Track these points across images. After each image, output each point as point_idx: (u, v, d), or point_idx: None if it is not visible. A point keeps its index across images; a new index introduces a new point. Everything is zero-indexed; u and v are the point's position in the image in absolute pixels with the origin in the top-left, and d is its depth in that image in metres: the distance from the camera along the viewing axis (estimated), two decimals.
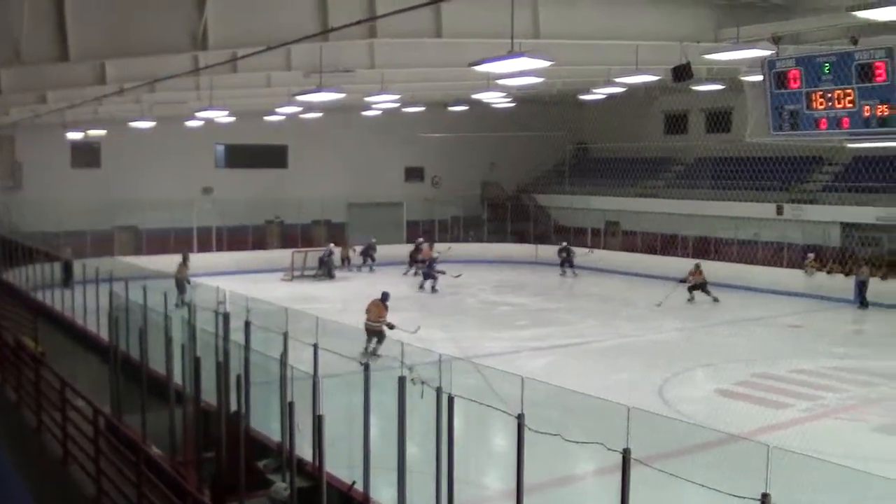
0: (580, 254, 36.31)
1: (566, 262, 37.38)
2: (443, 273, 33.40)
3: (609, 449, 7.29)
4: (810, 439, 14.90)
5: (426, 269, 33.53)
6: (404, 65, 21.07)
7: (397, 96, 27.61)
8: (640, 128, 43.35)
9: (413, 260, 36.79)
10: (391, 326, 20.31)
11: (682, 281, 30.29)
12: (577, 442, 8.07)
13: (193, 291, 21.54)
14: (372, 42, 18.39)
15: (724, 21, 17.75)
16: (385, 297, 21.20)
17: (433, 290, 32.20)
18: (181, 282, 26.59)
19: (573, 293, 33.59)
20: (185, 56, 17.36)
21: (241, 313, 13.10)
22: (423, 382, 9.62)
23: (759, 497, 6.37)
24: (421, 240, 38.26)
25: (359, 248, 38.52)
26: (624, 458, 7.32)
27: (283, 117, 34.67)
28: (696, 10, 17.39)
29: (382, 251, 38.69)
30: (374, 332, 20.21)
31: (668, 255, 36.72)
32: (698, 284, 30.12)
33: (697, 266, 30.75)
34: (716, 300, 29.93)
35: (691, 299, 29.99)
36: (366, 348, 19.68)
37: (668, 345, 23.93)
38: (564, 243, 38.15)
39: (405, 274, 36.08)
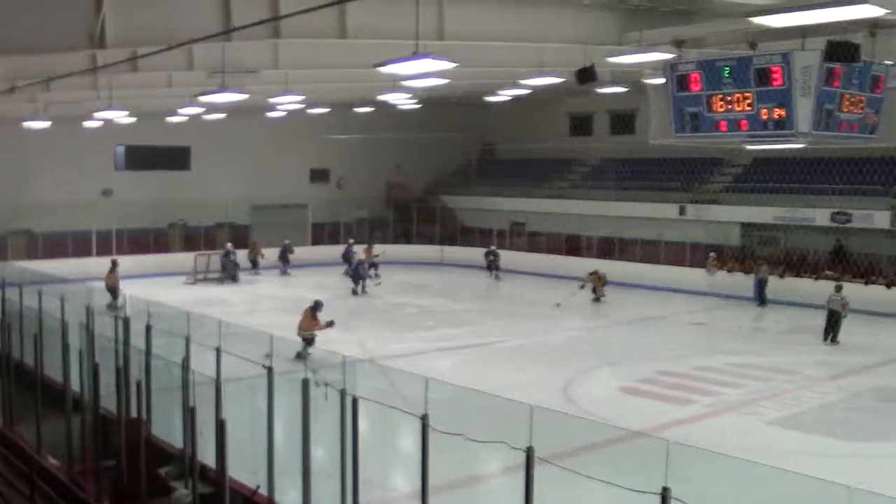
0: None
1: (493, 265, 37.09)
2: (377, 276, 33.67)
3: (513, 448, 7.30)
4: (711, 434, 15.23)
5: (353, 270, 33.02)
6: (309, 65, 20.92)
7: (302, 97, 27.36)
8: (546, 129, 43.78)
9: (347, 260, 35.97)
10: (330, 325, 20.18)
11: (582, 287, 30.47)
12: (481, 441, 8.06)
13: (123, 297, 21.10)
14: (276, 42, 18.18)
15: (627, 25, 17.97)
16: (317, 305, 20.80)
17: (363, 291, 31.84)
18: (113, 288, 26.06)
19: (479, 294, 33.70)
20: (81, 54, 16.93)
21: (143, 317, 12.80)
22: (326, 385, 9.52)
23: (660, 491, 6.45)
24: (352, 241, 37.78)
25: (264, 251, 37.92)
26: (527, 456, 7.34)
27: (185, 118, 34.05)
28: (600, 13, 17.58)
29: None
30: (305, 339, 19.97)
31: (574, 255, 37.07)
32: (595, 287, 30.54)
33: (595, 273, 31.07)
34: (598, 299, 30.53)
35: (596, 299, 30.33)
36: (298, 352, 19.44)
37: (573, 344, 24.17)
38: (492, 246, 37.92)
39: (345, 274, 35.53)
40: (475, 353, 22.36)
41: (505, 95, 32.42)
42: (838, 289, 24.44)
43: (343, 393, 9.31)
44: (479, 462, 12.37)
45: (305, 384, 9.70)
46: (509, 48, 19.42)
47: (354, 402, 9.20)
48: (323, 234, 41.26)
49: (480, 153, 48.07)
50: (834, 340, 23.71)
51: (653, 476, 6.61)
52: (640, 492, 6.52)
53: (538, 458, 7.46)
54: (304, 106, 32.27)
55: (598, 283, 30.53)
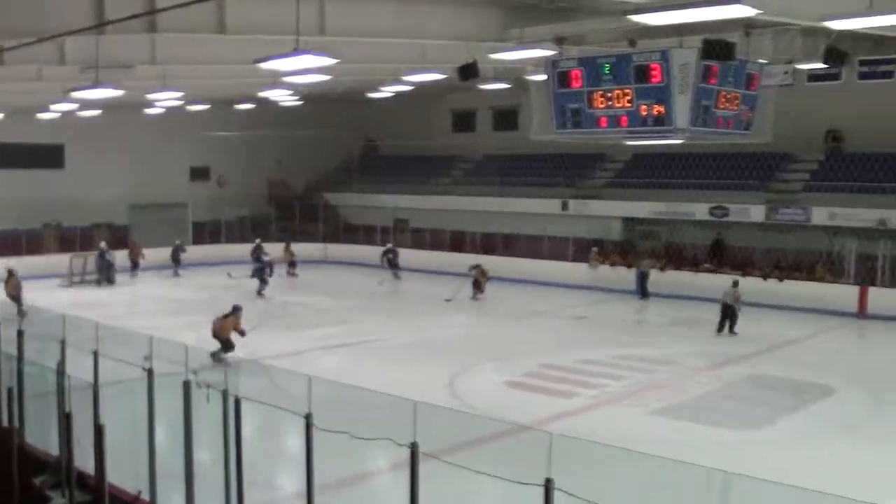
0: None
1: (391, 263, 36.15)
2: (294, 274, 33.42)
3: (398, 444, 7.27)
4: (595, 425, 15.44)
5: (257, 270, 32.12)
6: (187, 61, 20.46)
7: (180, 93, 26.81)
8: (429, 125, 43.93)
9: (257, 259, 34.92)
10: (242, 334, 19.80)
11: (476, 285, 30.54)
12: (366, 438, 8.01)
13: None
14: (152, 36, 17.70)
15: (509, 22, 18.09)
16: (234, 309, 20.26)
17: (260, 293, 30.91)
18: (15, 296, 25.04)
19: (364, 292, 33.51)
20: None
21: (14, 321, 12.35)
22: (208, 386, 9.33)
23: (543, 482, 6.51)
24: (259, 240, 36.92)
25: (145, 252, 36.88)
26: (412, 452, 7.32)
27: (58, 114, 32.96)
28: (481, 10, 17.66)
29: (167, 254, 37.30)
30: (223, 343, 19.52)
31: (458, 251, 37.23)
32: (479, 282, 30.58)
33: (478, 266, 31.14)
34: (477, 294, 30.46)
35: (478, 292, 30.36)
36: (212, 352, 18.98)
37: (457, 340, 24.25)
38: (390, 245, 37.24)
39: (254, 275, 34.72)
40: (360, 350, 22.24)
41: (387, 92, 32.36)
42: (735, 283, 25.14)
43: (225, 394, 9.14)
44: (366, 460, 12.29)
45: (187, 386, 9.48)
46: (391, 44, 19.34)
47: (237, 402, 9.04)
48: (204, 233, 40.47)
49: (363, 150, 47.89)
50: (731, 332, 24.32)
51: (537, 468, 6.65)
52: (525, 484, 6.56)
53: (425, 454, 7.44)
54: (182, 102, 31.64)
55: (481, 278, 30.57)
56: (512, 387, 18.52)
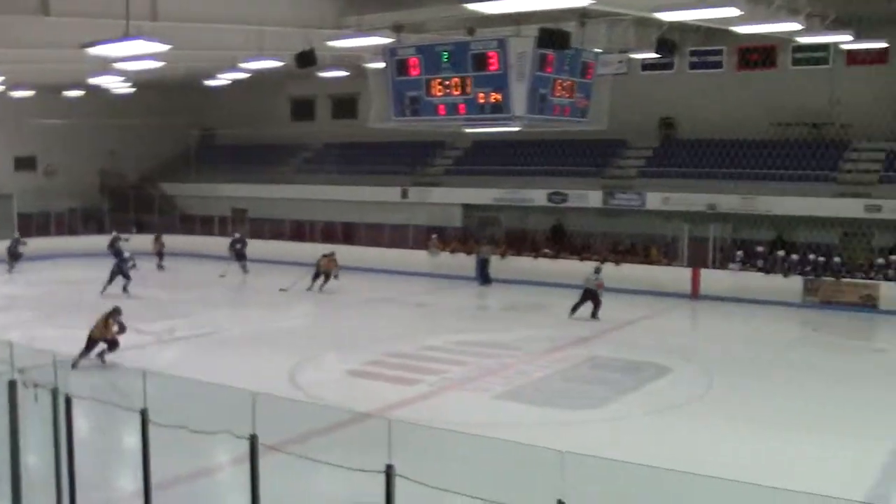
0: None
1: (239, 255, 34.26)
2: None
3: (237, 437, 7.12)
4: (438, 411, 15.54)
5: (117, 266, 29.49)
6: (9, 44, 19.51)
7: (2, 78, 25.59)
8: (268, 114, 43.29)
9: (116, 254, 32.93)
10: (123, 330, 18.92)
11: (322, 276, 29.79)
12: (205, 432, 7.81)
13: None
14: None
15: (346, 9, 17.99)
16: (114, 311, 19.27)
17: (125, 290, 28.62)
18: None
19: (202, 283, 32.78)
20: None
21: None
22: (36, 385, 8.92)
23: (384, 469, 6.49)
24: (115, 233, 33.87)
25: None
26: (251, 444, 7.18)
27: None
28: None
29: None
30: (108, 343, 18.64)
31: (299, 241, 36.87)
32: (325, 272, 29.72)
33: (331, 255, 30.36)
34: (321, 287, 29.43)
35: (312, 286, 29.51)
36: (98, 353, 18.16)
37: (298, 330, 24.01)
38: (238, 234, 35.56)
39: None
40: (200, 343, 21.74)
41: (224, 79, 31.72)
42: (597, 270, 25.61)
43: (55, 392, 8.76)
44: (206, 455, 11.99)
45: (12, 386, 9.04)
46: (227, 30, 19.00)
47: (68, 401, 8.69)
48: (31, 225, 38.72)
49: (200, 138, 46.80)
50: (594, 317, 24.74)
51: (380, 456, 6.62)
52: (366, 471, 6.53)
53: (267, 447, 7.31)
54: (4, 88, 30.23)
55: (331, 266, 29.90)
56: (354, 376, 18.42)
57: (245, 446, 7.30)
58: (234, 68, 27.16)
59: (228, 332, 23.09)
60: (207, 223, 39.53)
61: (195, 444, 8.20)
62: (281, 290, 28.79)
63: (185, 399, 9.67)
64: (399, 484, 6.70)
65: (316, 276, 29.37)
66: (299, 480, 9.83)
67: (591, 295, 24.80)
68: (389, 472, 6.53)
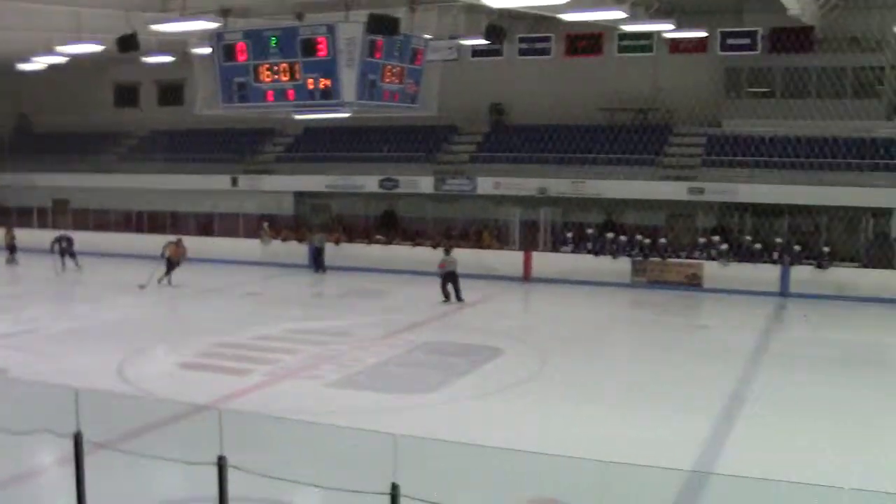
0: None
1: (66, 252, 31.80)
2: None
3: (58, 436, 6.84)
4: (272, 400, 15.36)
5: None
6: None
7: None
8: (90, 100, 41.74)
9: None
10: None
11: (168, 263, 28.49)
12: (22, 433, 7.48)
13: None
14: None
15: None
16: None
17: None
18: None
19: (21, 277, 31.44)
20: None
21: None
22: None
23: (216, 460, 6.38)
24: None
25: None
26: (76, 443, 6.92)
27: None
28: None
29: None
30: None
31: (125, 231, 35.80)
32: (173, 261, 28.35)
33: (176, 242, 28.98)
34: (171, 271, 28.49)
35: (164, 279, 28.08)
36: None
37: (126, 323, 23.24)
38: (62, 232, 33.03)
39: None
40: (17, 341, 20.68)
41: (41, 63, 30.33)
42: (448, 251, 25.95)
43: None
44: (28, 457, 11.48)
45: None
46: (42, 11, 18.18)
47: None
48: None
49: (16, 125, 44.69)
50: (459, 299, 25.09)
51: (213, 448, 6.50)
52: (199, 464, 6.40)
53: (95, 444, 7.06)
54: None
55: (179, 253, 28.46)
56: (186, 368, 18.01)
57: (67, 445, 7.02)
58: (50, 51, 25.96)
59: (52, 328, 22.17)
60: (25, 215, 37.75)
61: (15, 447, 7.82)
62: (140, 286, 27.33)
63: (1, 400, 9.24)
64: (233, 475, 6.59)
65: (169, 266, 28.04)
66: (130, 478, 9.54)
67: (451, 277, 25.18)
68: (221, 464, 6.42)
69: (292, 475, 6.63)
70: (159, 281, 27.76)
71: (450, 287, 25.19)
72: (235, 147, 37.39)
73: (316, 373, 17.62)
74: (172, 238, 29.46)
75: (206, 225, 34.96)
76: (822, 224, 29.04)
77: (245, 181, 35.85)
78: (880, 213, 28.15)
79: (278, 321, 22.98)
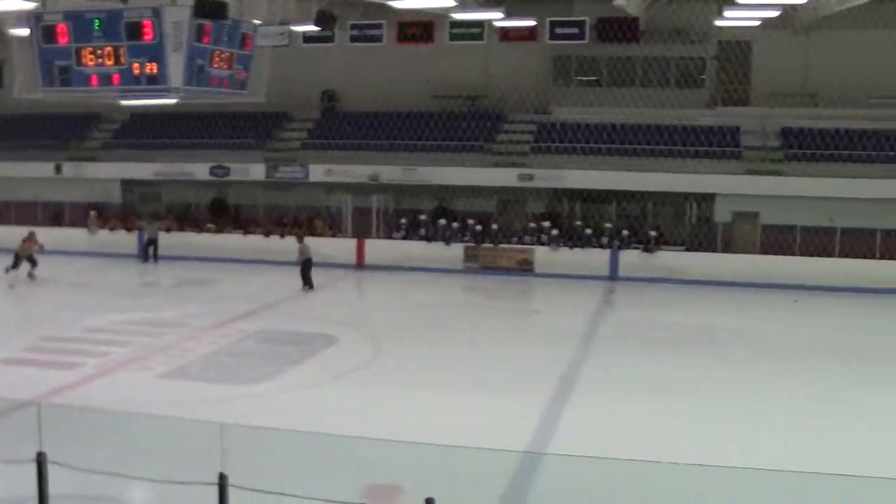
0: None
1: None
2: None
3: None
4: (101, 393, 14.98)
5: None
6: None
7: None
8: None
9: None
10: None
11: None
12: None
13: None
14: None
15: None
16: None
17: None
18: None
19: None
20: None
21: None
22: None
23: (35, 457, 6.24)
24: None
25: None
26: None
27: None
28: None
29: None
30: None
31: None
32: (26, 256, 26.49)
33: (28, 237, 26.94)
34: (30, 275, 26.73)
35: (8, 273, 26.02)
36: None
37: None
38: None
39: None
40: None
41: None
42: (300, 239, 26.29)
43: None
44: None
45: None
46: None
47: None
48: None
49: None
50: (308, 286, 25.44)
51: (34, 444, 6.34)
52: (16, 462, 6.23)
53: None
54: None
55: (29, 248, 26.63)
56: (9, 364, 17.33)
57: None
58: None
59: None
60: None
61: None
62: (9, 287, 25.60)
63: None
64: (56, 472, 6.43)
65: (16, 262, 26.26)
66: None
67: (309, 264, 25.48)
68: (41, 461, 6.25)
69: (118, 469, 6.52)
70: (7, 271, 26.02)
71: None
72: (59, 133, 35.97)
73: (146, 364, 17.28)
74: (25, 234, 27.29)
75: (30, 214, 33.45)
76: (649, 209, 30.20)
77: (69, 168, 34.58)
78: (704, 199, 29.45)
79: (108, 312, 22.34)
